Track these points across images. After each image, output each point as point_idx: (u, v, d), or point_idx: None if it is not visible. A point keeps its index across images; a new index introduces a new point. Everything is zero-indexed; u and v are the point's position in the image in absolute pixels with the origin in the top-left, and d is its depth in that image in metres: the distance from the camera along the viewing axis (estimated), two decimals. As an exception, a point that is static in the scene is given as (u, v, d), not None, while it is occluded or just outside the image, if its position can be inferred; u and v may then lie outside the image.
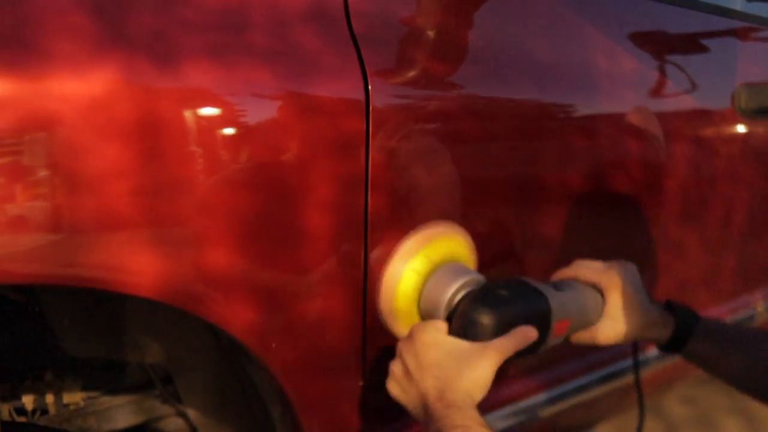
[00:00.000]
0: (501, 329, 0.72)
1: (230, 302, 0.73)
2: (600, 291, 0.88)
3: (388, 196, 0.81)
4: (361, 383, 0.88)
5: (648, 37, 1.20)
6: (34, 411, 1.03)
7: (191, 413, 1.09)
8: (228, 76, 0.68)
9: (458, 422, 0.64)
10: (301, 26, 0.75)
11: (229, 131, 0.68)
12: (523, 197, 0.98)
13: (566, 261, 0.93)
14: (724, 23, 1.38)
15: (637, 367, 0.97)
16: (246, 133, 0.69)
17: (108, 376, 1.10)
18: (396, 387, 0.73)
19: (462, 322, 0.73)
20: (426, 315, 0.82)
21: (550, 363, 1.14)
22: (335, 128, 0.75)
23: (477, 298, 0.75)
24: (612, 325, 0.88)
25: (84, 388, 1.07)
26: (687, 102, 1.23)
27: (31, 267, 0.61)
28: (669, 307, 0.91)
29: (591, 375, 1.22)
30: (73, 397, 1.05)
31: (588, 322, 0.88)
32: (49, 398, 1.03)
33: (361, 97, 0.77)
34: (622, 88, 1.10)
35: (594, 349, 0.91)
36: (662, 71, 1.20)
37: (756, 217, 1.51)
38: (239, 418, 0.99)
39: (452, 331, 0.74)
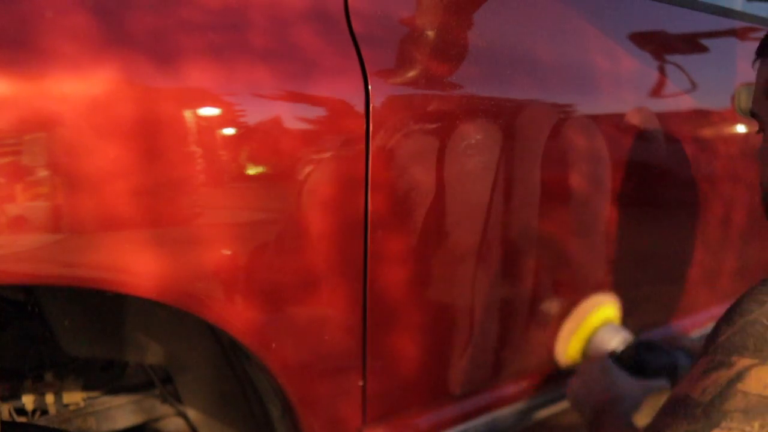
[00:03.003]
0: (651, 373, 1.07)
1: (230, 302, 0.72)
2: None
3: (388, 196, 0.81)
4: (361, 383, 0.88)
5: (648, 37, 1.20)
6: (34, 411, 1.03)
7: (191, 413, 1.09)
8: (228, 76, 0.68)
9: (619, 411, 0.94)
10: (301, 26, 0.75)
11: (229, 131, 0.68)
12: (521, 196, 0.98)
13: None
14: (724, 23, 1.38)
15: None
16: (246, 133, 0.69)
17: (108, 376, 1.10)
18: (573, 395, 1.05)
19: (626, 364, 1.07)
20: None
21: (549, 364, 1.14)
22: (335, 128, 0.75)
23: (636, 350, 1.10)
24: None
25: (84, 388, 1.07)
26: (687, 102, 1.23)
27: (31, 267, 0.61)
28: None
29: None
30: (73, 397, 1.05)
31: None
32: (49, 398, 1.03)
33: (361, 96, 0.77)
34: (622, 88, 1.10)
35: None
36: (662, 71, 1.20)
37: (756, 217, 1.51)
38: (239, 418, 0.99)
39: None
